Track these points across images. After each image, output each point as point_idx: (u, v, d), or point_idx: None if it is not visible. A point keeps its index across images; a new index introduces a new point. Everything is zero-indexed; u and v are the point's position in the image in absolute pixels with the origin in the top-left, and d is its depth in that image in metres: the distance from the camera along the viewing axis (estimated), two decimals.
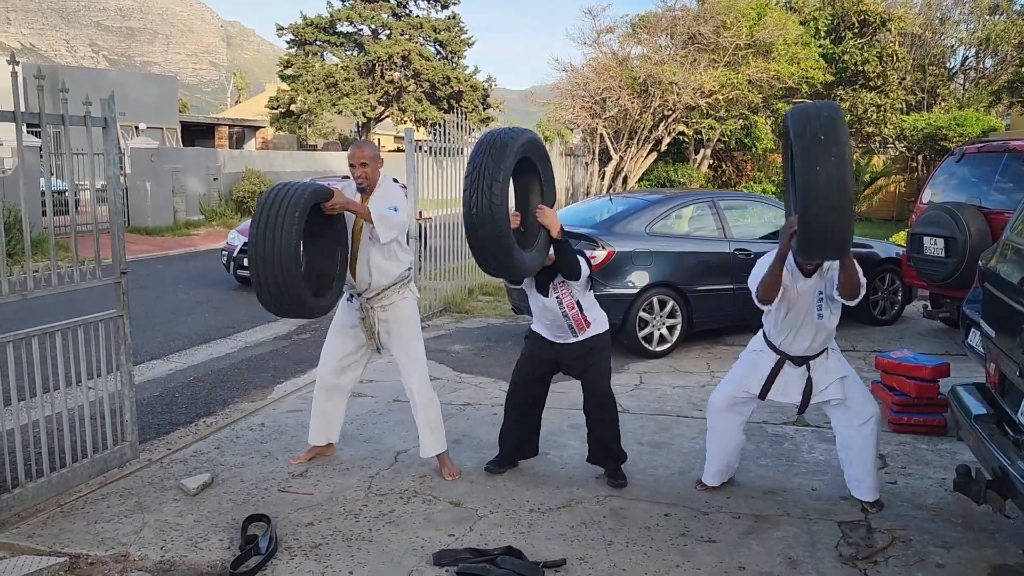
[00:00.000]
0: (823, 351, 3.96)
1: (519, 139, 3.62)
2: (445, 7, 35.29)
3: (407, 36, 33.40)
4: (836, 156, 3.12)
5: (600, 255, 6.96)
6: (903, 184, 21.56)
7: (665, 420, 5.35)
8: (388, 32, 33.82)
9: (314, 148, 35.32)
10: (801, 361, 3.94)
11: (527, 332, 4.45)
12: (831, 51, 20.18)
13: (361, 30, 34.35)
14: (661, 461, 4.60)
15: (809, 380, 3.93)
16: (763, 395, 4.02)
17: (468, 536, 3.62)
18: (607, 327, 4.25)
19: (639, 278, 7.05)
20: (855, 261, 3.67)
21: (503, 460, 4.39)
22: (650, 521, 3.78)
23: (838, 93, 20.81)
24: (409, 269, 4.40)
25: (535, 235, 3.91)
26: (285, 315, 3.96)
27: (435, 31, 34.07)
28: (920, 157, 20.42)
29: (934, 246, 7.20)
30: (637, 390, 6.12)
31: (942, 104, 23.79)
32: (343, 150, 32.74)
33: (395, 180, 4.64)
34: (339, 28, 34.20)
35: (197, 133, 35.38)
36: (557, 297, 4.09)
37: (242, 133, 37.72)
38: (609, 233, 7.16)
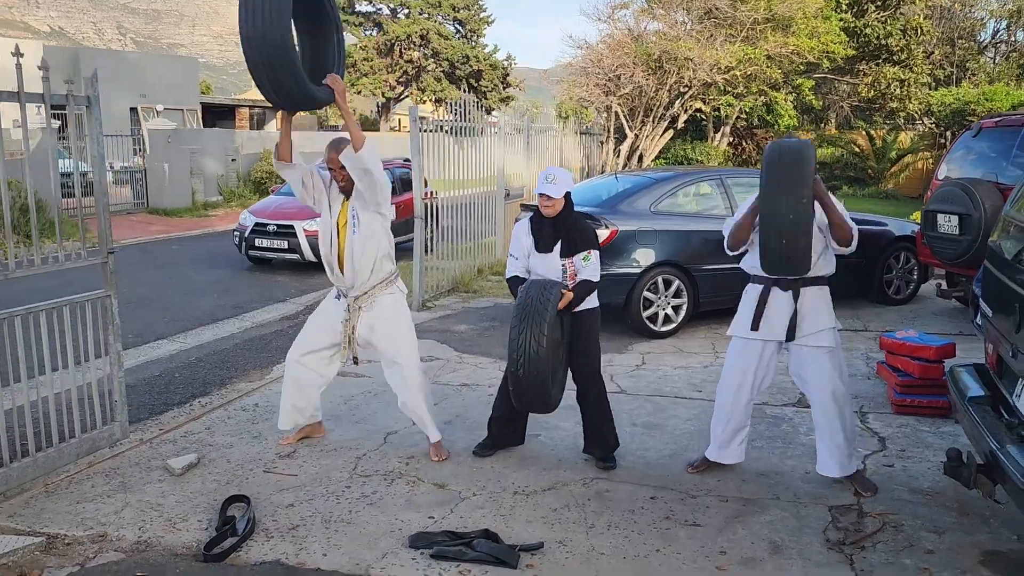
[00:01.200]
0: (815, 283, 3.82)
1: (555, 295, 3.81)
2: None
3: (426, 15, 33.19)
4: (795, 197, 3.54)
5: (603, 234, 6.84)
6: (931, 161, 21.12)
7: (662, 402, 5.26)
8: (407, 11, 33.61)
9: (335, 128, 35.31)
10: (789, 285, 3.79)
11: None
12: (853, 24, 19.68)
13: (380, 9, 34.21)
14: (653, 443, 4.52)
15: (795, 312, 3.78)
16: (755, 325, 3.86)
17: (448, 519, 3.58)
18: (597, 304, 4.16)
19: (643, 257, 6.93)
20: (835, 203, 3.73)
21: (491, 443, 4.33)
22: (635, 504, 3.71)
23: (860, 67, 20.35)
24: (396, 266, 4.35)
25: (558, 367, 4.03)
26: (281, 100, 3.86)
27: (454, 10, 33.81)
28: (948, 133, 19.97)
29: (948, 223, 7.00)
30: (638, 371, 6.03)
31: (971, 79, 23.22)
32: (363, 130, 32.67)
33: (406, 160, 4.57)
34: (358, 7, 34.05)
35: (219, 114, 35.52)
36: (563, 265, 4.03)
37: (263, 114, 37.78)
38: (613, 212, 7.04)
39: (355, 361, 4.40)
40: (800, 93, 18.70)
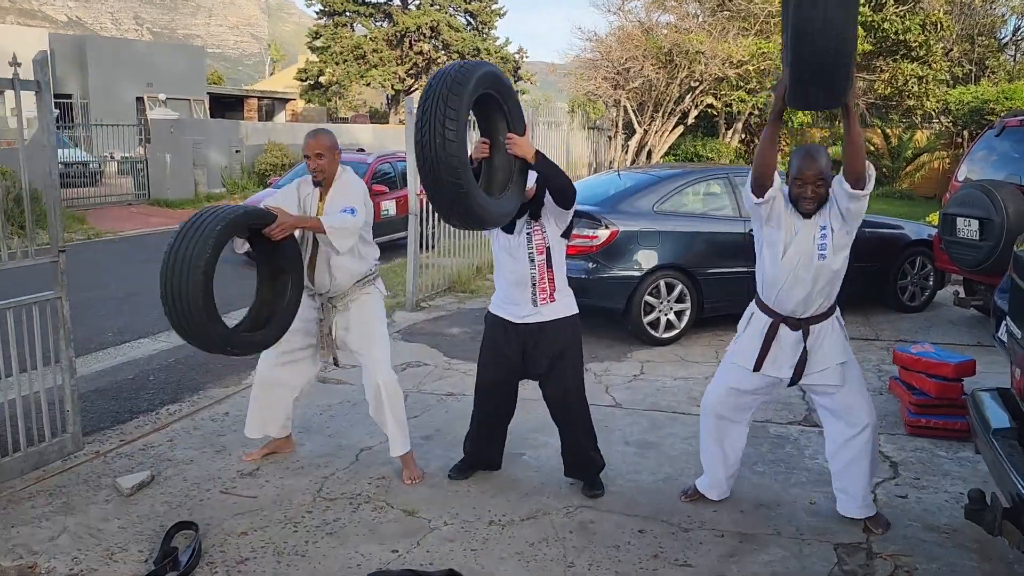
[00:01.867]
0: (826, 316, 3.42)
1: (475, 72, 3.10)
2: None
3: (437, 7, 32.79)
4: None
5: (603, 235, 6.50)
6: (947, 161, 20.60)
7: (659, 417, 4.91)
8: (418, 2, 33.23)
9: (345, 121, 35.02)
10: (798, 324, 3.39)
11: (485, 315, 3.99)
12: (870, 18, 19.13)
13: (391, 0, 33.82)
14: (647, 465, 4.18)
15: (805, 351, 3.39)
16: (757, 366, 3.46)
17: (413, 552, 3.25)
18: (576, 311, 3.79)
19: (645, 260, 6.58)
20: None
21: (468, 464, 4.00)
22: (621, 539, 3.37)
23: (877, 64, 19.82)
24: (376, 265, 4.04)
25: (507, 176, 3.41)
26: (207, 350, 3.59)
27: (465, 1, 33.40)
28: (966, 132, 19.46)
29: (968, 228, 6.61)
30: (635, 381, 5.69)
31: (991, 77, 22.66)
32: (373, 122, 32.40)
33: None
34: None
35: (227, 105, 35.29)
36: (528, 233, 3.60)
37: (272, 105, 37.56)
38: (613, 211, 6.69)
39: (335, 362, 4.08)
40: None
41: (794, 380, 3.45)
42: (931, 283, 7.91)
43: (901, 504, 3.72)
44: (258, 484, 3.90)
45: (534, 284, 3.63)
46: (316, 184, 3.82)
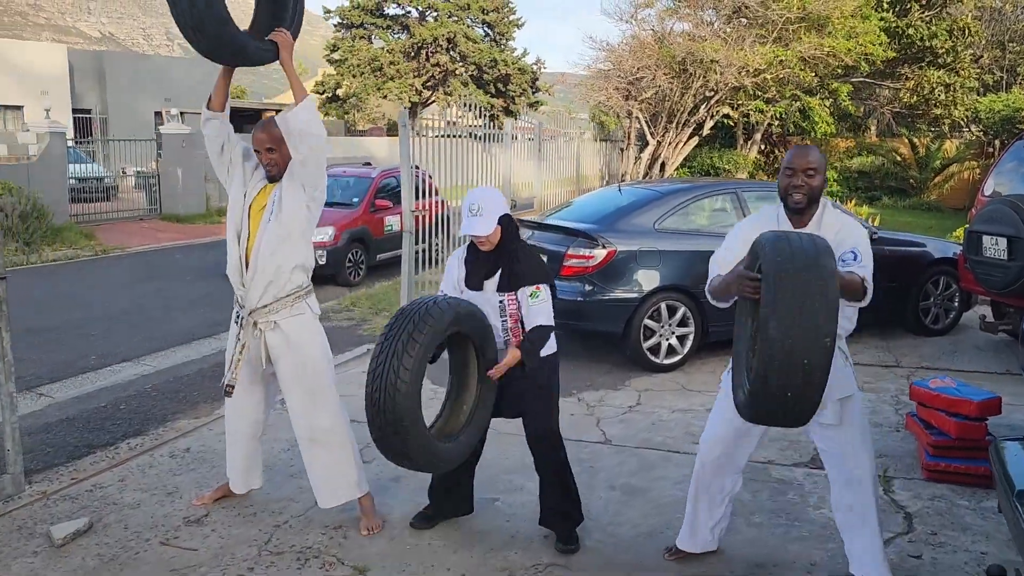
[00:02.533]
0: None
1: (445, 316, 3.01)
2: None
3: (455, 18, 32.64)
4: (816, 334, 2.36)
5: (599, 255, 6.14)
6: (978, 171, 19.97)
7: (650, 457, 4.52)
8: (435, 14, 33.10)
9: (363, 133, 34.93)
10: None
11: None
12: (894, 25, 18.55)
13: (409, 12, 33.74)
14: (631, 515, 3.79)
15: None
16: None
17: None
18: (554, 350, 3.44)
19: (645, 281, 6.20)
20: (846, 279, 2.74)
21: (432, 513, 3.64)
22: None
23: (902, 71, 19.23)
24: (309, 281, 3.60)
25: (470, 416, 3.32)
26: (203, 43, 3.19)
27: (483, 12, 33.21)
28: (997, 142, 18.83)
29: (995, 247, 6.15)
30: (630, 413, 5.30)
31: (1023, 84, 21.97)
32: (388, 135, 32.24)
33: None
34: (386, 10, 33.64)
35: (247, 118, 35.29)
36: (501, 302, 3.30)
37: None
38: (611, 229, 6.32)
39: (227, 392, 3.58)
40: (837, 98, 17.62)
41: None
42: (956, 305, 7.43)
43: (915, 566, 3.30)
44: (202, 534, 3.56)
45: (506, 331, 3.33)
46: (270, 179, 3.48)
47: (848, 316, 3.04)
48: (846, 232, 2.94)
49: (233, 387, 3.55)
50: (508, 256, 3.27)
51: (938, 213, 18.95)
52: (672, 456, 4.51)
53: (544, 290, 3.27)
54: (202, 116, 3.49)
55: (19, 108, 23.74)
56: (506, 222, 3.29)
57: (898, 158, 21.60)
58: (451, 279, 3.41)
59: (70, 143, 19.03)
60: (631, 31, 16.97)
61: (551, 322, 3.28)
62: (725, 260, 3.02)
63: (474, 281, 3.30)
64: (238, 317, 3.55)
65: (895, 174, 21.42)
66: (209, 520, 3.69)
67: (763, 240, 2.59)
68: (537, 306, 3.24)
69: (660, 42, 15.99)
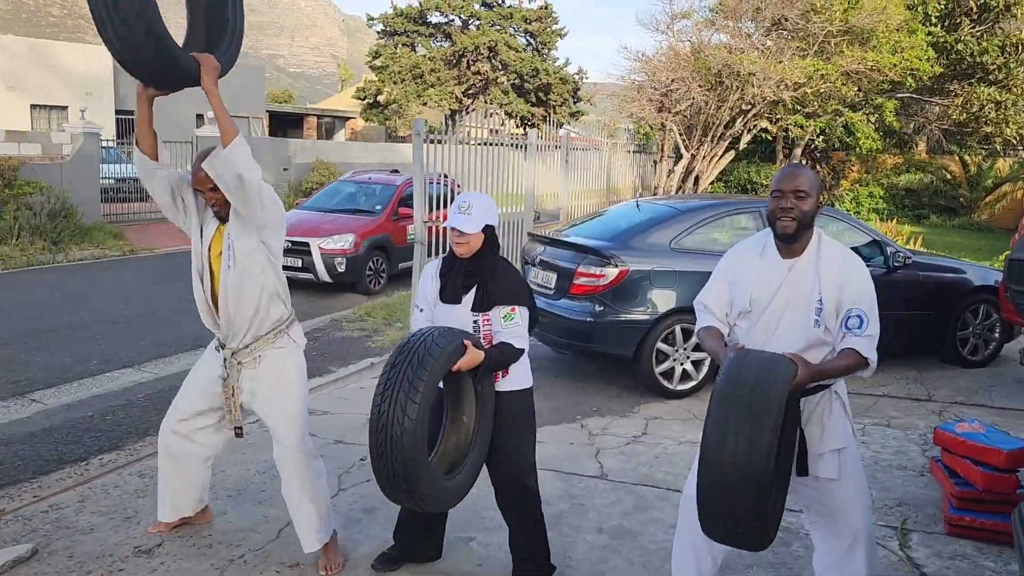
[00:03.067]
0: (821, 387, 2.68)
1: (447, 349, 2.75)
2: None
3: (497, 27, 32.48)
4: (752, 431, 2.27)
5: (610, 274, 5.82)
6: None
7: (647, 495, 4.19)
8: (478, 23, 32.99)
9: (403, 140, 34.95)
10: None
11: None
12: (943, 39, 17.85)
13: (451, 20, 33.67)
14: (616, 563, 3.47)
15: (801, 432, 2.66)
16: None
17: None
18: (529, 384, 3.15)
19: (659, 302, 5.87)
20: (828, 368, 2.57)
21: (397, 554, 3.35)
22: None
23: (951, 87, 18.50)
24: (290, 310, 3.39)
25: (463, 456, 3.02)
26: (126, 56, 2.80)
27: (526, 21, 32.99)
28: None
29: None
30: (634, 444, 4.97)
31: None
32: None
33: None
34: (429, 18, 33.62)
35: (289, 123, 35.65)
36: (475, 322, 3.01)
37: (332, 124, 37.82)
38: (624, 247, 5.99)
39: (238, 433, 3.45)
40: (882, 114, 16.97)
41: (802, 470, 2.70)
42: (997, 335, 6.95)
43: None
44: (150, 567, 3.33)
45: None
46: (219, 219, 3.23)
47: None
48: (847, 276, 2.60)
49: (241, 427, 3.39)
50: (485, 271, 3.00)
51: (988, 234, 18.22)
52: (670, 496, 4.17)
53: (519, 313, 2.98)
54: (137, 165, 3.14)
55: (64, 109, 24.14)
56: (490, 233, 3.04)
57: (948, 176, 20.86)
58: (426, 294, 3.13)
59: (110, 143, 19.25)
60: (667, 42, 16.57)
61: (524, 347, 2.99)
62: (709, 304, 2.80)
63: (450, 293, 3.02)
64: (219, 347, 3.32)
65: (944, 192, 20.69)
66: (160, 551, 3.46)
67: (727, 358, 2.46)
68: (509, 329, 2.96)
69: (696, 54, 15.56)
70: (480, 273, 2.99)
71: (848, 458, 2.68)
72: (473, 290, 3.00)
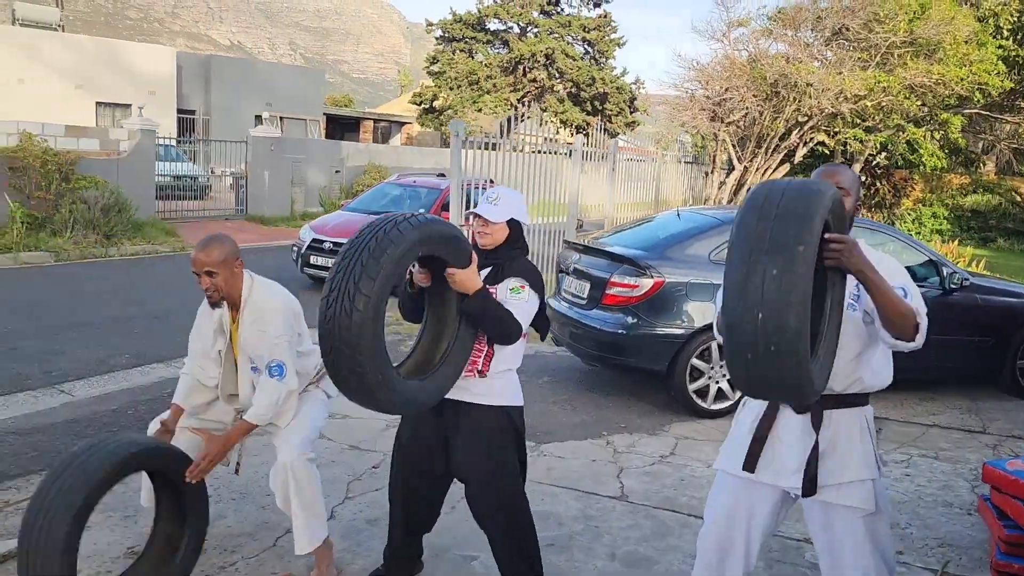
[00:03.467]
0: (852, 404, 2.43)
1: (410, 236, 2.42)
2: (597, 5, 33.97)
3: (555, 35, 32.41)
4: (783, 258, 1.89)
5: (645, 284, 5.60)
6: None
7: (668, 520, 3.95)
8: (536, 31, 32.97)
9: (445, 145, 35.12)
10: (806, 407, 2.42)
11: None
12: (1015, 53, 17.07)
13: (510, 27, 33.72)
14: None
15: (817, 447, 2.40)
16: (749, 464, 2.50)
17: None
18: (519, 403, 2.95)
19: (695, 316, 5.62)
20: (887, 286, 2.20)
21: (388, 573, 3.18)
22: None
23: (1021, 104, 17.71)
24: (317, 368, 3.34)
25: (446, 351, 2.77)
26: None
27: (584, 30, 32.86)
28: None
29: None
30: (659, 464, 4.73)
31: None
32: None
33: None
34: (487, 25, 33.73)
35: (346, 126, 36.11)
36: None
37: (388, 128, 38.17)
38: (661, 258, 5.76)
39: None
40: (947, 130, 16.30)
41: (809, 489, 2.43)
42: None
43: None
44: None
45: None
46: (215, 306, 3.14)
47: (875, 369, 2.44)
48: (887, 272, 2.34)
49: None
50: (503, 256, 2.86)
51: None
52: (691, 522, 3.92)
53: (528, 291, 2.79)
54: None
55: (128, 107, 24.82)
56: (515, 227, 2.88)
57: (1018, 198, 20.03)
58: None
59: (169, 142, 19.66)
60: (722, 50, 16.19)
61: (522, 325, 2.79)
62: None
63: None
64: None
65: (1014, 215, 19.86)
66: None
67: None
68: (515, 301, 2.77)
69: (753, 63, 15.15)
70: (499, 257, 2.84)
71: (879, 490, 2.43)
72: (487, 270, 2.83)
